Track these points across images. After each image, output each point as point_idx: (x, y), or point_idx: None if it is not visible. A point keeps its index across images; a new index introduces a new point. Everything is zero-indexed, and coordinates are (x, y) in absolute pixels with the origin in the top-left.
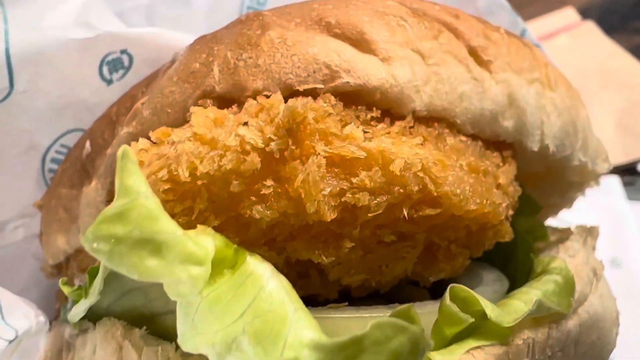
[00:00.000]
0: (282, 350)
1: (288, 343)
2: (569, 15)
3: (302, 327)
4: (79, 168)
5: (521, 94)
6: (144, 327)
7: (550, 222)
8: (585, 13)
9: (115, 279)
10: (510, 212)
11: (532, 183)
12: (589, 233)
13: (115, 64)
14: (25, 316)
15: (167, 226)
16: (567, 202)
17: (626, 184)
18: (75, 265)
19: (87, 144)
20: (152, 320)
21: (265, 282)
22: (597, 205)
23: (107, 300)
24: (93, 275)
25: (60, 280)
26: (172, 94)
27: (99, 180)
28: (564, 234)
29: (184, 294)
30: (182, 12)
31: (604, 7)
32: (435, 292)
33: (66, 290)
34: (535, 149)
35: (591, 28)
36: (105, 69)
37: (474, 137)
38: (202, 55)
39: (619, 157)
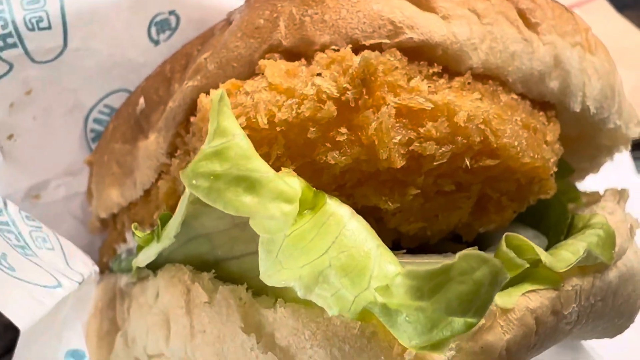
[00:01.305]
0: (369, 281)
1: (374, 275)
2: None
3: (386, 262)
4: (132, 124)
5: (566, 56)
6: (213, 271)
7: None
8: None
9: (182, 227)
10: (555, 169)
11: (565, 147)
12: (621, 195)
13: (162, 25)
14: (84, 264)
15: (260, 165)
16: (595, 166)
17: (636, 159)
18: (126, 218)
19: (141, 101)
20: (217, 266)
21: (347, 221)
22: (609, 180)
23: (168, 249)
24: (165, 220)
25: (132, 225)
26: (237, 49)
27: (159, 133)
28: (595, 197)
29: (273, 229)
30: None
31: None
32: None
33: (138, 234)
34: (578, 109)
35: (603, 5)
36: (153, 30)
37: (522, 96)
38: (265, 12)
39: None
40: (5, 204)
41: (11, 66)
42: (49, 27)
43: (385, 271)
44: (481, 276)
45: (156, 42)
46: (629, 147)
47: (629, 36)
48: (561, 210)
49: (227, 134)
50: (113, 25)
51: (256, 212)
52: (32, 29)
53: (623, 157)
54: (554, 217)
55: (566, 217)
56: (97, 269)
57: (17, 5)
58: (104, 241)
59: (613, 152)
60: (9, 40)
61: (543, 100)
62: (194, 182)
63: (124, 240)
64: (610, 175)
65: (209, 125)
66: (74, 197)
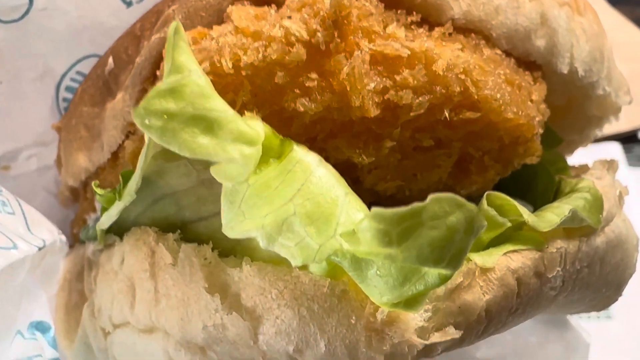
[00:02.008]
0: (335, 228)
1: (341, 222)
2: None
3: (354, 209)
4: (100, 85)
5: (553, 14)
6: (178, 232)
7: None
8: None
9: (147, 186)
10: (540, 130)
11: (553, 117)
12: (610, 165)
13: None
14: (49, 231)
15: (219, 104)
16: (585, 139)
17: (627, 151)
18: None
19: (110, 61)
20: (184, 228)
21: (315, 168)
22: None
23: (134, 211)
24: (127, 178)
25: (93, 183)
26: None
27: (126, 91)
28: (584, 168)
29: (234, 175)
30: None
31: None
32: None
33: (99, 192)
34: (565, 71)
35: None
36: None
37: (507, 53)
38: None
39: (621, 125)
40: None
41: None
42: None
43: (353, 217)
44: (455, 221)
45: (129, 4)
46: (618, 118)
47: (621, 29)
48: (549, 180)
49: (182, 70)
50: None
51: (214, 154)
52: None
53: (614, 149)
54: (541, 187)
55: (553, 185)
56: (63, 237)
57: None
58: (76, 213)
59: (603, 122)
60: None
61: (529, 60)
62: (146, 121)
63: (94, 210)
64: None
65: (164, 62)
66: (46, 169)
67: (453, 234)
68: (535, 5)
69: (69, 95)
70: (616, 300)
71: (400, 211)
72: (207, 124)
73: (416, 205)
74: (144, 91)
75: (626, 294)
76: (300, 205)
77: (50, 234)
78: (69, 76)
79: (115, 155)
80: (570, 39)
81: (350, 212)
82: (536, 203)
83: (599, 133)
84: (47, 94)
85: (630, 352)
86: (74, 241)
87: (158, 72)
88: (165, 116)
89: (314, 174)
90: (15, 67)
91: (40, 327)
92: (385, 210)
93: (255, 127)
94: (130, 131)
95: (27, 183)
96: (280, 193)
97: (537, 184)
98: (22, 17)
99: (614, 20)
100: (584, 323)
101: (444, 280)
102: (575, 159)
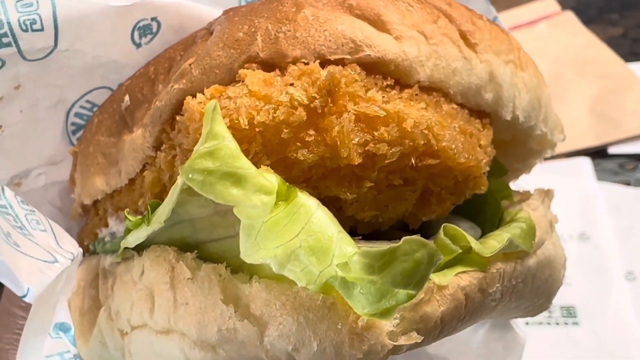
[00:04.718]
0: (331, 259)
1: (336, 255)
2: (549, 4)
3: (345, 244)
4: (117, 119)
5: (499, 72)
6: (195, 252)
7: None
8: (564, 4)
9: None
10: (487, 168)
11: (500, 150)
12: (546, 194)
13: (145, 30)
14: (72, 244)
15: (245, 164)
16: (527, 167)
17: (596, 165)
18: (109, 205)
19: (126, 98)
20: (198, 248)
21: (314, 211)
22: (570, 184)
23: (153, 232)
24: (154, 207)
25: (125, 211)
26: (219, 57)
27: (145, 129)
28: (526, 195)
29: (254, 216)
30: None
31: None
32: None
33: (131, 218)
34: (509, 118)
35: (570, 17)
36: (136, 34)
37: (461, 106)
38: (244, 26)
39: (591, 141)
40: (2, 189)
41: (4, 63)
42: (42, 29)
43: (345, 251)
44: (420, 256)
45: (138, 45)
46: (554, 151)
47: (593, 48)
48: (495, 206)
49: (218, 137)
50: (100, 30)
51: (241, 201)
52: (26, 30)
53: (584, 164)
54: (489, 212)
55: (500, 211)
56: (81, 250)
57: (12, 7)
58: (83, 226)
59: (542, 154)
60: (4, 40)
61: (479, 109)
62: (190, 176)
63: (106, 225)
64: (571, 180)
65: (202, 129)
66: (52, 185)
67: (418, 266)
68: (484, 66)
69: (77, 120)
70: (547, 307)
71: (381, 250)
72: (236, 179)
73: (393, 245)
74: (162, 131)
75: (592, 303)
76: (304, 240)
77: (73, 247)
78: (79, 104)
79: (131, 182)
80: (513, 92)
81: (343, 247)
82: (485, 226)
83: (539, 163)
84: (59, 120)
85: (596, 357)
86: (84, 251)
87: (177, 117)
88: (205, 172)
89: (314, 215)
90: (34, 98)
91: (63, 327)
92: (370, 249)
93: (271, 179)
94: (148, 162)
95: (34, 197)
96: (288, 230)
97: (486, 209)
98: (46, 56)
99: (587, 39)
100: (552, 329)
101: (410, 298)
102: (549, 169)
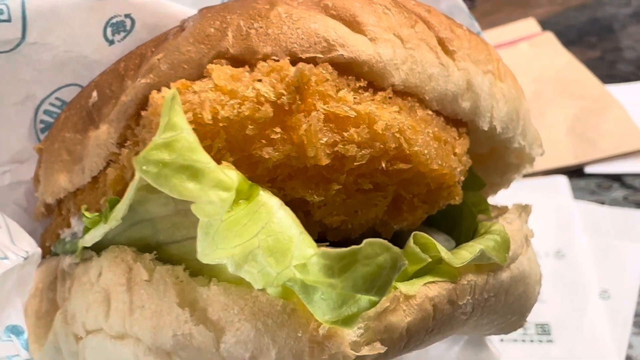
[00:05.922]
0: (290, 260)
1: (295, 256)
2: (530, 25)
3: (306, 246)
4: (84, 115)
5: (477, 81)
6: (154, 252)
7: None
8: (545, 25)
9: (128, 211)
10: (462, 178)
11: (478, 163)
12: (524, 209)
13: (118, 27)
14: (29, 243)
15: (203, 157)
16: (506, 182)
17: (573, 185)
18: (72, 204)
19: (94, 94)
20: (158, 249)
21: (276, 211)
22: (547, 202)
23: (113, 231)
24: (113, 204)
25: (82, 207)
26: (189, 52)
27: (110, 125)
28: (503, 210)
29: (211, 213)
30: None
31: (562, 21)
32: None
33: (87, 215)
34: (486, 128)
35: (550, 38)
36: (109, 30)
37: (437, 113)
38: (215, 22)
39: (569, 160)
40: None
41: None
42: (9, 20)
43: (305, 253)
44: (383, 261)
45: (111, 42)
46: (533, 166)
47: (572, 69)
48: (472, 220)
49: (176, 129)
50: (71, 23)
51: (197, 196)
52: None
53: (561, 182)
54: (465, 226)
55: (475, 225)
56: (39, 250)
57: None
58: (47, 227)
59: (520, 169)
60: None
61: (456, 118)
62: (144, 167)
63: (68, 225)
64: (548, 198)
65: (160, 119)
66: (18, 185)
67: (381, 270)
68: (462, 73)
69: (46, 118)
70: (522, 325)
71: (341, 251)
72: (193, 172)
73: (354, 247)
74: (127, 127)
75: (567, 321)
76: (263, 240)
77: (30, 246)
78: (48, 101)
79: (95, 179)
80: (491, 102)
81: (303, 248)
82: (460, 239)
83: (518, 177)
84: (27, 117)
85: None
86: (45, 253)
87: (143, 112)
88: (160, 164)
89: (275, 215)
90: (1, 93)
91: (15, 330)
92: (330, 250)
93: (231, 175)
94: (112, 160)
95: None
96: (247, 229)
97: (462, 222)
98: (13, 49)
99: (567, 61)
100: (527, 347)
101: (373, 304)
102: (527, 186)
